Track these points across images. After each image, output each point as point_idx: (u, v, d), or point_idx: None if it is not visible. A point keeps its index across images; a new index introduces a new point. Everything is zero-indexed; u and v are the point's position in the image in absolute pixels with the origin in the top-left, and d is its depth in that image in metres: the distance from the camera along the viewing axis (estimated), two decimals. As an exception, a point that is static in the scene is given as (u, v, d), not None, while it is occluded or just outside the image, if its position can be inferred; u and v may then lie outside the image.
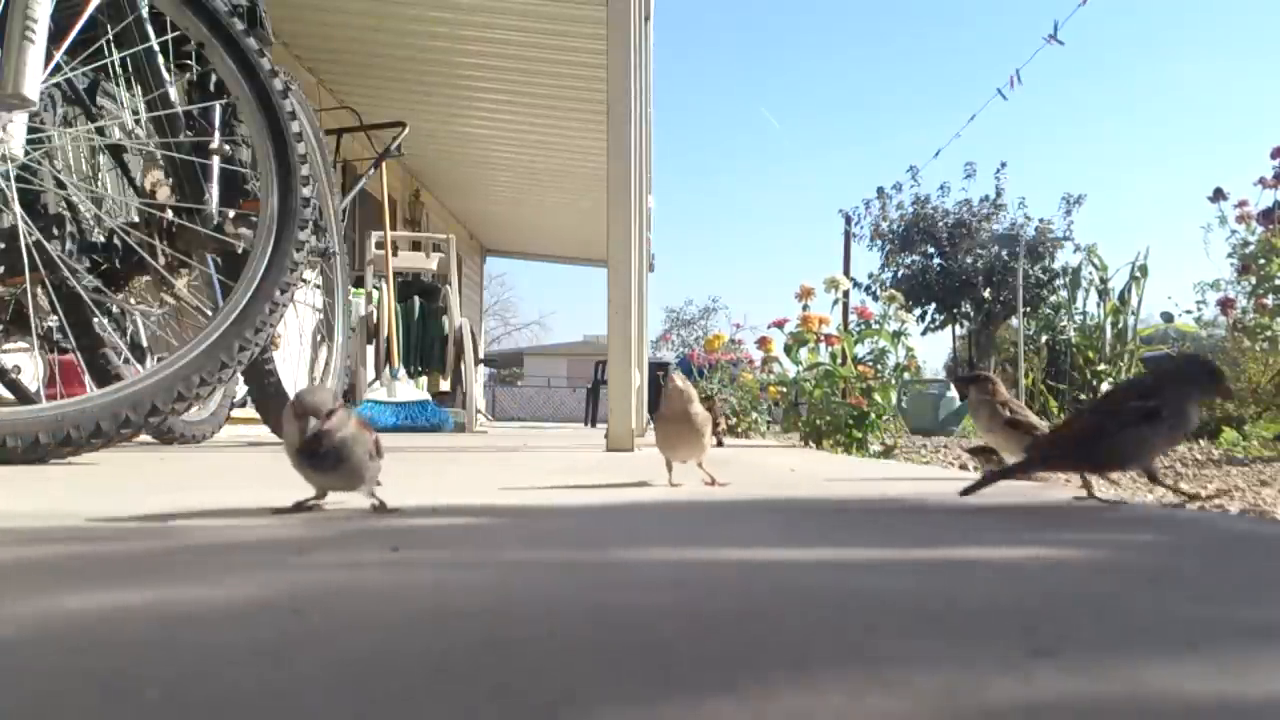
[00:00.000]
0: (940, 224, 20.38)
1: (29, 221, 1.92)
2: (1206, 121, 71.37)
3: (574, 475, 2.02)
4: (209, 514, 1.18)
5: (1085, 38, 61.02)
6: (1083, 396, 4.76)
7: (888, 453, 4.55)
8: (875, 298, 18.19)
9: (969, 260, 20.05)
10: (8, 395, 2.55)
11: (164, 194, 2.34)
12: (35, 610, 0.60)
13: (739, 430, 7.04)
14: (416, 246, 6.15)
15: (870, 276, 20.57)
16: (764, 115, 71.09)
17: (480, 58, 6.38)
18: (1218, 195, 4.46)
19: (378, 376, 5.55)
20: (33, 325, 2.15)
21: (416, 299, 5.92)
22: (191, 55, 2.40)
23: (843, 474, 2.03)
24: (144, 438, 2.82)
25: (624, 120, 3.27)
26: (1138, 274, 4.82)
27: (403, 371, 5.63)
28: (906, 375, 5.09)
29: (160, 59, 2.32)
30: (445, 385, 6.18)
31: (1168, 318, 5.62)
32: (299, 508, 1.11)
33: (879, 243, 20.69)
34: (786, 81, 71.72)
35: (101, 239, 2.23)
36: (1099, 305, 4.92)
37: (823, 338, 4.75)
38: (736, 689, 0.48)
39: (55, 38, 1.91)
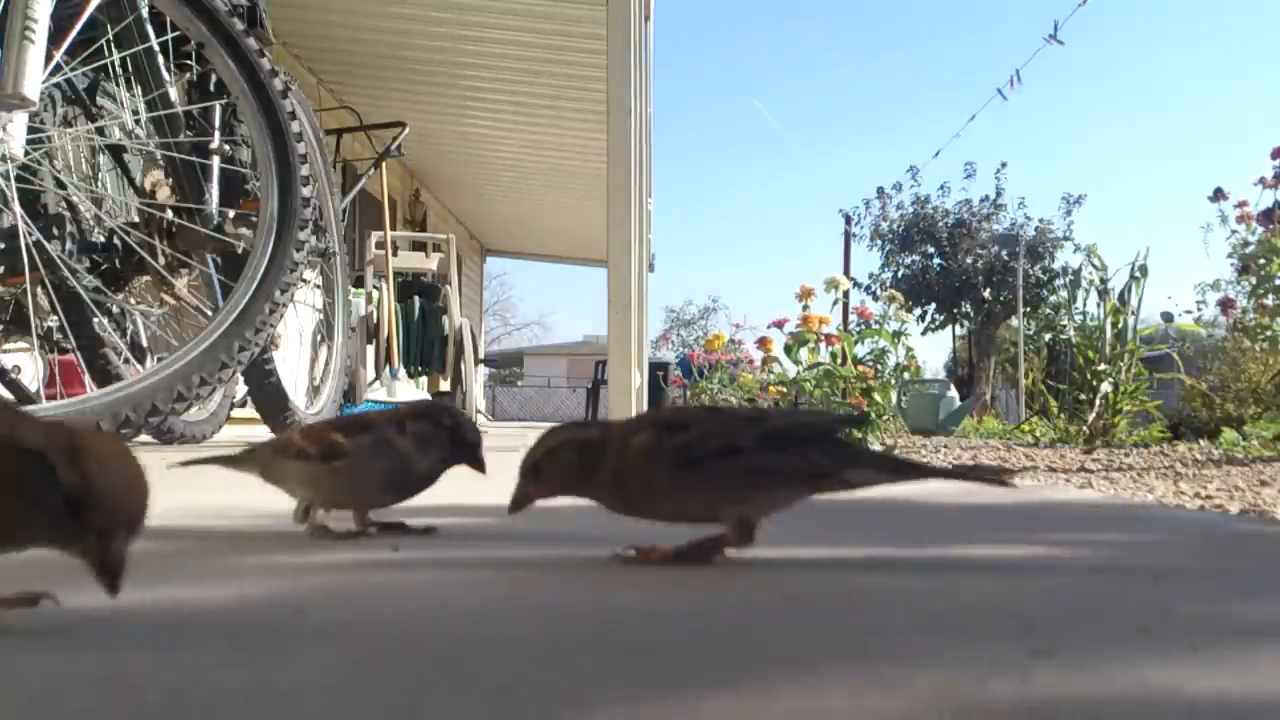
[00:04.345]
0: (940, 224, 20.38)
1: (29, 221, 1.92)
2: (1206, 121, 71.33)
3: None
4: (209, 514, 1.18)
5: (1085, 38, 60.95)
6: (1082, 396, 4.75)
7: (887, 453, 4.54)
8: (875, 298, 18.19)
9: (969, 260, 20.05)
10: (8, 395, 2.55)
11: (164, 194, 2.34)
12: (35, 610, 0.60)
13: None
14: (417, 246, 6.15)
15: (870, 276, 20.58)
16: (762, 112, 71.08)
17: (480, 58, 6.38)
18: (1218, 195, 4.46)
19: (378, 376, 5.55)
20: (33, 325, 2.15)
21: (416, 299, 5.92)
22: (191, 55, 2.40)
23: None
24: (144, 438, 2.83)
25: (624, 120, 3.27)
26: (1138, 274, 4.81)
27: (403, 371, 5.63)
28: (906, 375, 5.08)
29: (160, 59, 2.32)
30: (445, 385, 6.18)
31: (1168, 318, 5.61)
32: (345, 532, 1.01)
33: (879, 243, 20.69)
34: (787, 81, 71.72)
35: (101, 239, 2.23)
36: (1099, 305, 4.91)
37: (823, 338, 4.75)
38: (736, 689, 0.48)
39: (55, 38, 1.90)
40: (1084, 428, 4.62)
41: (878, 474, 0.86)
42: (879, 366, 4.71)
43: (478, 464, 0.96)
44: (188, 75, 2.47)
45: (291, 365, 3.75)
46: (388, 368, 5.54)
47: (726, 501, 0.84)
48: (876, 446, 4.52)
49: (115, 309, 2.35)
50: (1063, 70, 61.81)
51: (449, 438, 0.95)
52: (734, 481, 0.83)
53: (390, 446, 0.94)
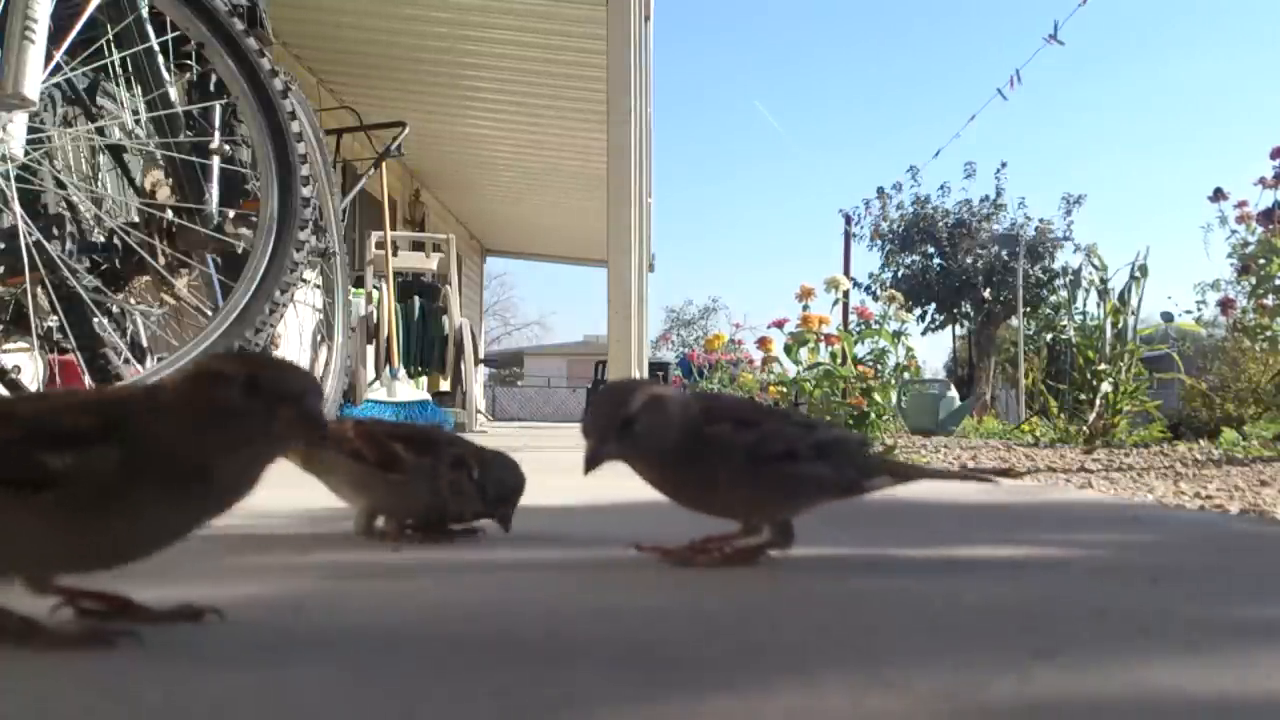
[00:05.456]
0: (940, 224, 20.37)
1: (29, 221, 1.92)
2: (1206, 121, 71.16)
3: (574, 476, 2.01)
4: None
5: (1085, 38, 60.81)
6: (1082, 396, 4.75)
7: (888, 453, 4.55)
8: (875, 298, 18.15)
9: (969, 260, 20.04)
10: (8, 395, 2.55)
11: (164, 194, 2.34)
12: (35, 611, 0.60)
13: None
14: (417, 246, 6.15)
15: (870, 276, 20.56)
16: (763, 114, 70.99)
17: (480, 58, 6.38)
18: (1218, 195, 4.46)
19: (378, 376, 5.54)
20: (33, 325, 2.15)
21: (416, 299, 5.92)
22: (191, 55, 2.40)
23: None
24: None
25: (624, 120, 3.27)
26: (1138, 274, 4.80)
27: (403, 371, 5.62)
28: (906, 375, 5.08)
29: (160, 59, 2.32)
30: (445, 385, 6.18)
31: (1168, 318, 5.61)
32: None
33: (879, 243, 20.68)
34: (787, 81, 71.65)
35: (101, 239, 2.23)
36: (1099, 305, 4.91)
37: (823, 338, 4.75)
38: (736, 689, 0.48)
39: (55, 38, 1.90)
40: (1084, 428, 4.62)
41: (888, 480, 0.89)
42: (879, 366, 4.71)
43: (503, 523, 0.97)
44: (188, 75, 2.47)
45: (291, 365, 3.74)
46: (388, 368, 5.54)
47: (771, 503, 0.84)
48: (876, 447, 4.53)
49: (115, 309, 2.35)
50: (1063, 70, 61.68)
51: (481, 496, 0.96)
52: (783, 486, 0.84)
53: (439, 475, 0.95)
